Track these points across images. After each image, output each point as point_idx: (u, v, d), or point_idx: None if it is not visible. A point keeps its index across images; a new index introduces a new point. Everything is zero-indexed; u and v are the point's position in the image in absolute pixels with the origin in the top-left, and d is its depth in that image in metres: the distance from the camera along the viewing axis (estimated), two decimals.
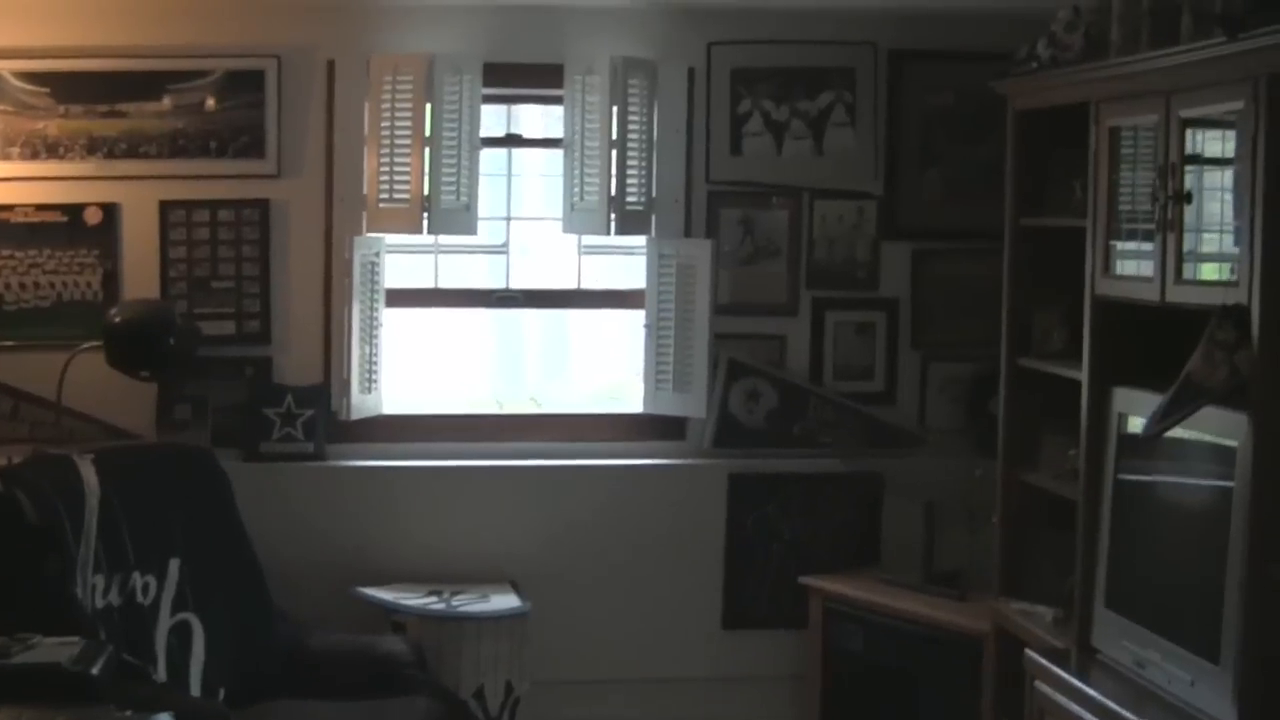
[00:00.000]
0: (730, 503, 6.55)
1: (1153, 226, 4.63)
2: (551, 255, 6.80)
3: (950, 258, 6.61)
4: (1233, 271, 4.27)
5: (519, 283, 6.74)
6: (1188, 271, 4.49)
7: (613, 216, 6.38)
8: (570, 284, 6.76)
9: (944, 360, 6.66)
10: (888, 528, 6.54)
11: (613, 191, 6.35)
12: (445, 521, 6.41)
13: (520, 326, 7.12)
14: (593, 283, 6.78)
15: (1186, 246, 4.49)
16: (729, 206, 6.54)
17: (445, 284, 6.70)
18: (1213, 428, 4.35)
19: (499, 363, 7.13)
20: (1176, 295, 4.53)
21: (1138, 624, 4.75)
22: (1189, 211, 4.48)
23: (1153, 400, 4.59)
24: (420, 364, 6.87)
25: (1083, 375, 5.14)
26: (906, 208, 6.59)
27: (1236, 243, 4.21)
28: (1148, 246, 4.70)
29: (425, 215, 6.26)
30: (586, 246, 6.74)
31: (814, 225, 6.55)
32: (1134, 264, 4.84)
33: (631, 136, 6.41)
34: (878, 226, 6.57)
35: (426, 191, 6.22)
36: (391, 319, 6.54)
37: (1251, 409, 4.16)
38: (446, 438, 6.53)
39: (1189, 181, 4.49)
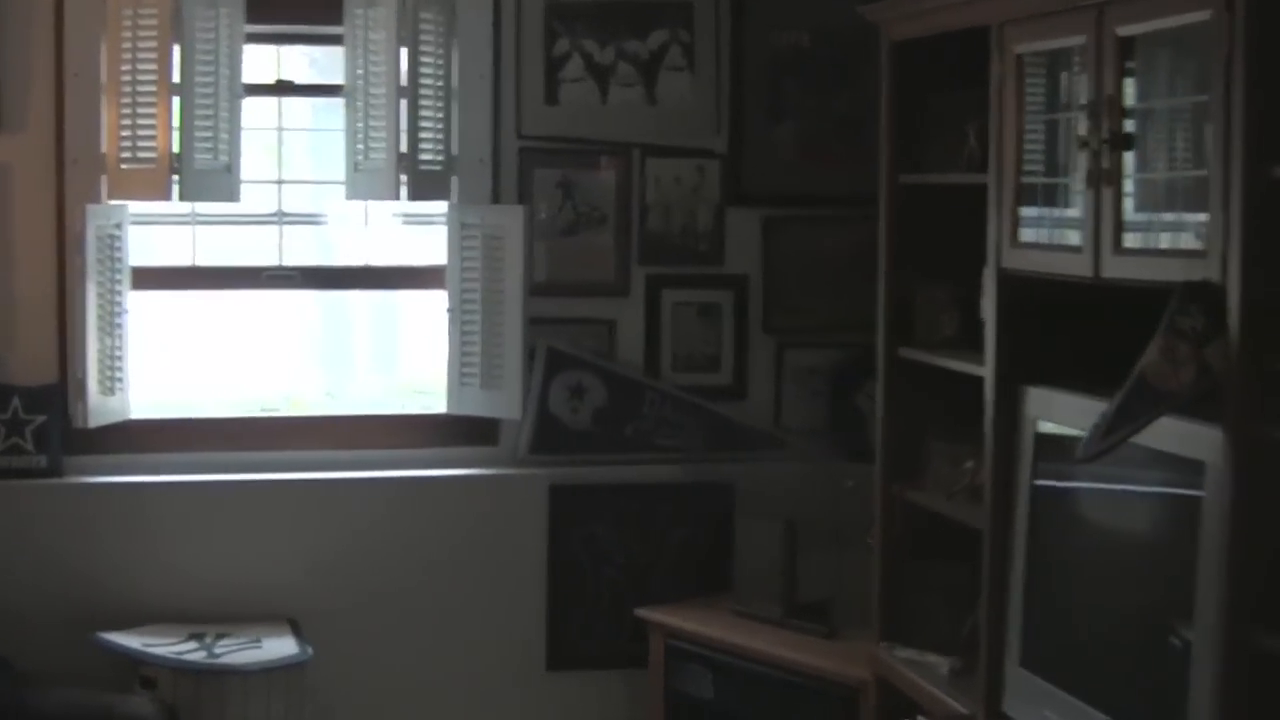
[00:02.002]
0: (552, 520, 5.76)
1: (1080, 182, 3.69)
2: (351, 229, 6.04)
3: (808, 226, 5.89)
4: (1198, 238, 3.24)
5: (297, 259, 5.87)
6: (1131, 239, 3.49)
7: (403, 179, 5.55)
8: (358, 260, 5.93)
9: (802, 346, 5.93)
10: (741, 549, 5.65)
11: (403, 148, 5.52)
12: (209, 548, 5.58)
13: (303, 312, 6.24)
14: (387, 259, 5.95)
15: (1131, 208, 3.48)
16: (545, 166, 5.77)
17: (205, 261, 5.81)
18: (1172, 441, 3.32)
19: (275, 356, 6.23)
20: (1116, 269, 3.57)
21: (1064, 691, 3.78)
22: (1130, 160, 3.49)
23: (1076, 404, 3.74)
24: (178, 358, 6.05)
25: (985, 370, 4.18)
26: (755, 168, 5.86)
27: (1201, 202, 3.20)
28: (1072, 211, 3.78)
29: (175, 179, 5.44)
30: (379, 215, 5.95)
31: (647, 188, 5.81)
32: (1052, 231, 3.92)
33: (425, 83, 5.59)
34: (722, 190, 5.84)
35: (176, 149, 5.41)
36: (140, 304, 5.68)
37: (1227, 421, 3.15)
38: (210, 446, 5.69)
39: (1130, 122, 3.50)
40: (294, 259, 5.83)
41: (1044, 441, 4.00)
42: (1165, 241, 3.48)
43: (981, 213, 4.22)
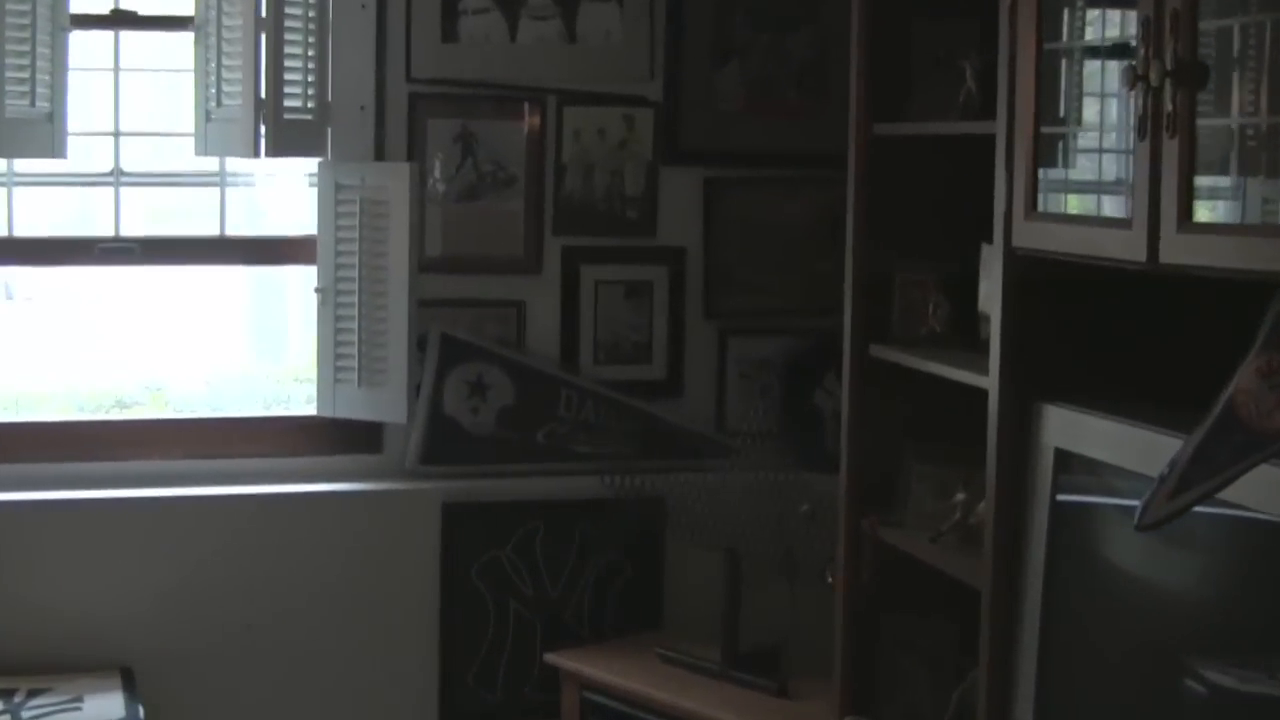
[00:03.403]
0: (446, 544, 4.93)
1: (1129, 130, 2.74)
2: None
3: (759, 190, 5.14)
4: None
5: (138, 228, 5.05)
6: (1207, 211, 2.50)
7: (262, 130, 4.67)
8: (210, 230, 5.05)
9: (750, 334, 5.18)
10: (673, 579, 4.95)
11: (262, 93, 4.65)
12: (21, 582, 4.74)
13: (151, 292, 5.56)
14: (248, 228, 5.18)
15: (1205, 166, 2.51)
16: (441, 116, 4.96)
17: (23, 231, 4.96)
18: (1266, 497, 2.37)
19: (115, 344, 5.62)
20: (1180, 251, 2.61)
21: None
22: (1203, 101, 2.58)
23: (1113, 432, 2.86)
24: None
25: (988, 381, 3.21)
26: (695, 119, 5.11)
27: None
28: (1113, 171, 2.86)
29: None
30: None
31: (564, 143, 5.04)
32: (1083, 198, 3.01)
33: (291, 14, 4.70)
34: (655, 145, 5.08)
35: None
36: None
37: None
38: (22, 457, 4.84)
39: (1206, 48, 2.59)
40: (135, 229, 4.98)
41: (1066, 474, 3.04)
42: (1256, 214, 2.50)
43: (981, 173, 3.30)
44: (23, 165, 4.86)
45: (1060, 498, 3.09)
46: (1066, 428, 3.06)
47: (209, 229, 5.00)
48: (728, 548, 4.59)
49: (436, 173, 4.93)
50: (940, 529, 3.60)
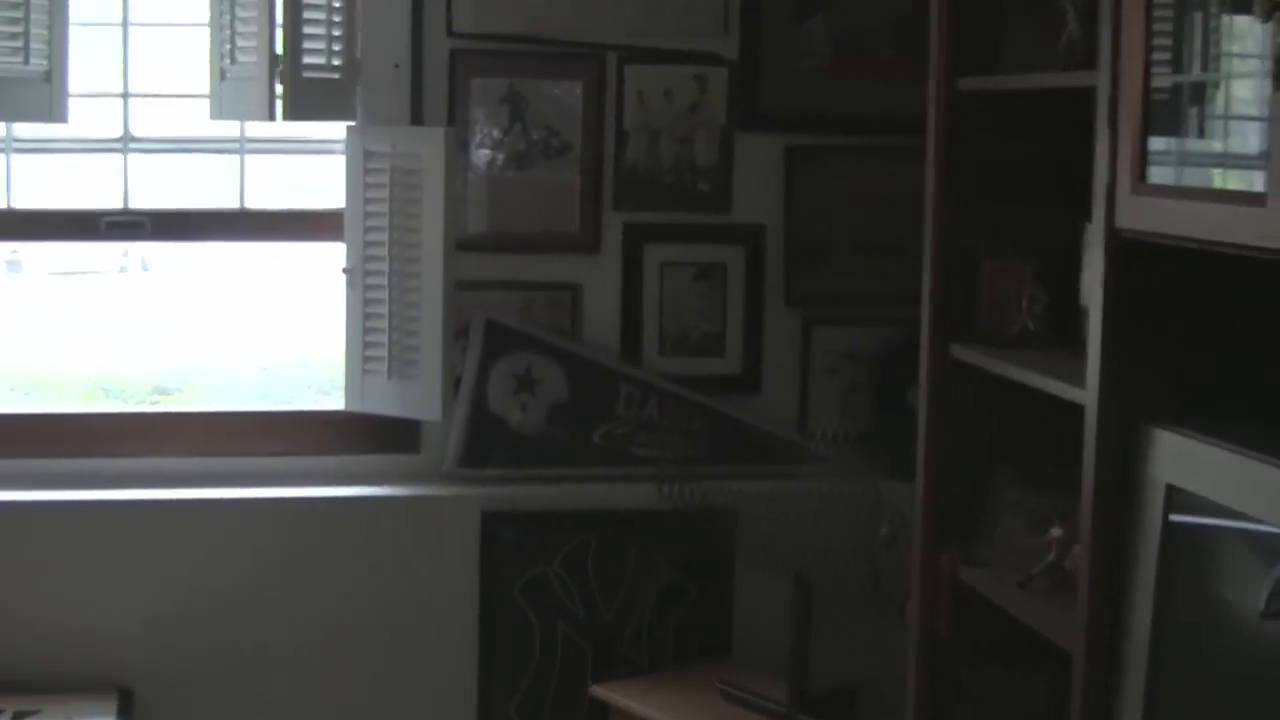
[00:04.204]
0: (487, 558, 4.47)
1: (1265, 84, 2.16)
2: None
3: (847, 160, 4.68)
4: None
5: (148, 200, 4.63)
6: None
7: (278, 91, 4.24)
8: (230, 202, 4.64)
9: (837, 323, 4.72)
10: (745, 602, 4.45)
11: (278, 48, 4.22)
12: (11, 591, 4.39)
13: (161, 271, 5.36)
14: (272, 200, 4.70)
15: None
16: (485, 75, 4.54)
17: (22, 203, 4.59)
18: None
19: (120, 329, 5.35)
20: None
21: None
22: None
23: (1240, 468, 2.27)
24: None
25: (1087, 395, 2.64)
26: (775, 78, 4.66)
27: None
28: (1242, 134, 2.30)
29: None
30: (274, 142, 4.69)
31: (626, 107, 4.62)
32: (1206, 171, 2.42)
33: None
34: (730, 109, 4.64)
35: None
36: None
37: None
38: (13, 451, 4.48)
39: None
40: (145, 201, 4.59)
41: (1179, 514, 2.44)
42: None
43: (1088, 137, 2.67)
44: (24, 131, 4.50)
45: (1171, 545, 2.47)
46: (1182, 459, 2.46)
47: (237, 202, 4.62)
48: (796, 574, 4.03)
49: (480, 139, 4.50)
50: (1030, 572, 3.01)
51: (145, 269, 5.62)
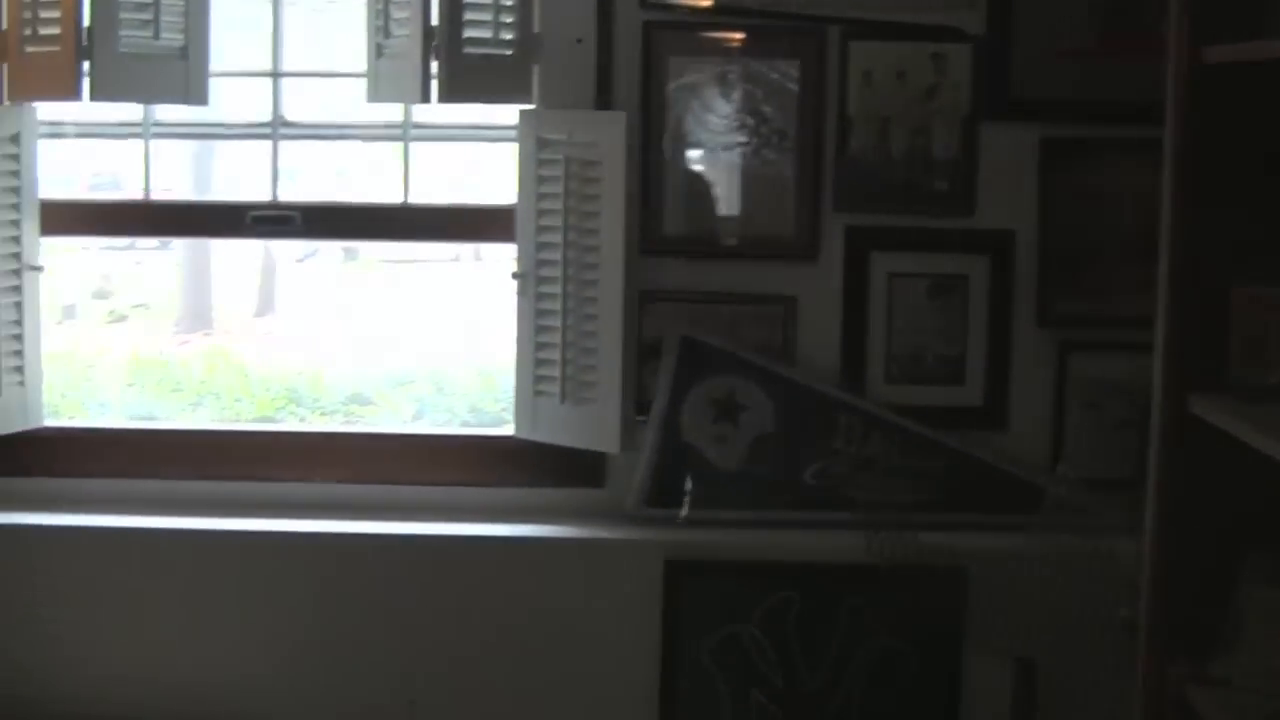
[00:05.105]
0: (671, 614, 3.98)
1: None
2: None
3: (1113, 156, 4.08)
4: None
5: (299, 193, 4.41)
6: None
7: (435, 69, 3.81)
8: (393, 196, 4.22)
9: (1098, 349, 4.12)
10: (976, 677, 3.87)
11: (434, 20, 3.78)
12: (135, 624, 4.05)
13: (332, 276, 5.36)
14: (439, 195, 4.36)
15: None
16: (684, 52, 4.03)
17: (161, 195, 4.26)
18: None
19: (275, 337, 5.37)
20: None
21: None
22: None
23: None
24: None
25: None
26: (1029, 59, 4.10)
27: None
28: None
29: (88, 66, 3.82)
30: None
31: (850, 91, 4.09)
32: None
33: None
34: (974, 94, 4.10)
35: (88, 23, 3.80)
36: (58, 257, 4.50)
37: None
38: (145, 472, 4.14)
39: None
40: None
41: None
42: None
43: None
44: (159, 114, 4.15)
45: None
46: None
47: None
48: (1018, 658, 3.36)
49: (676, 127, 3.99)
50: None
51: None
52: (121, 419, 4.92)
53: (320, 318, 6.15)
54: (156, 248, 6.30)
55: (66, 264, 5.43)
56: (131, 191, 4.20)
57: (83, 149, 4.72)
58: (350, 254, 6.54)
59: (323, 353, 5.57)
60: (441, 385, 5.28)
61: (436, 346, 5.65)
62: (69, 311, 6.80)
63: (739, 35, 4.02)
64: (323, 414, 5.11)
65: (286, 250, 6.20)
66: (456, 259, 6.09)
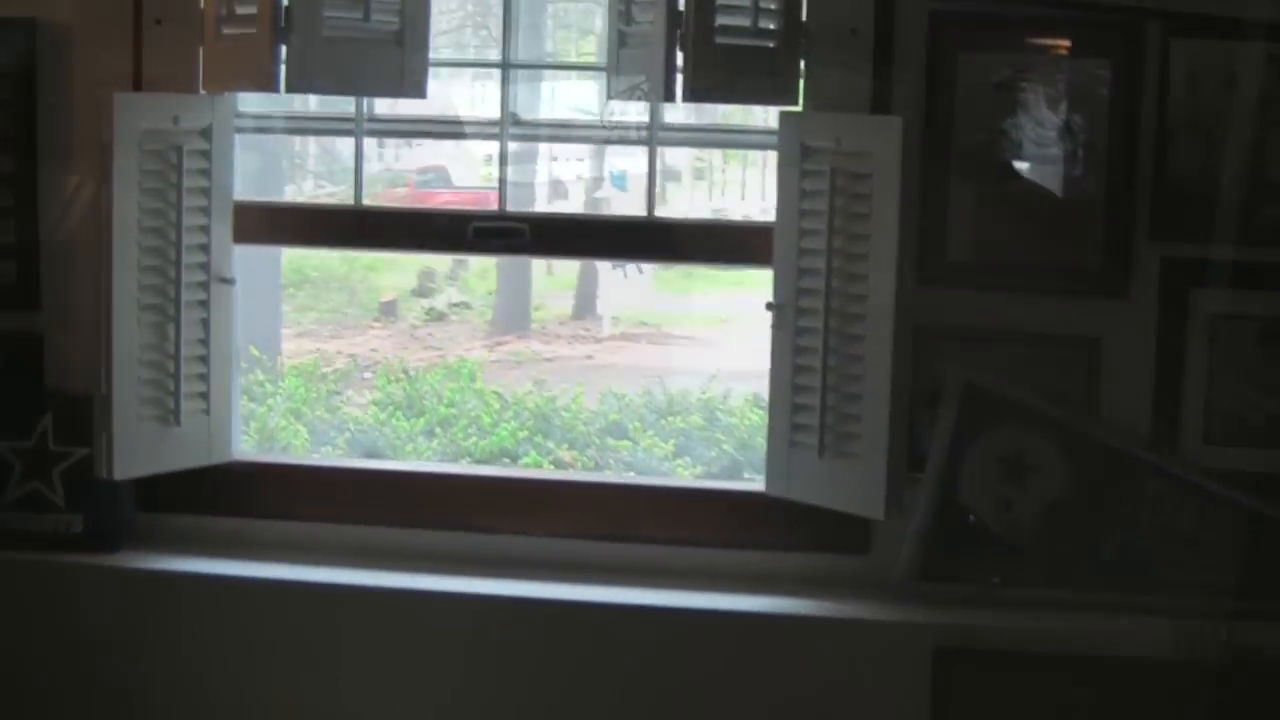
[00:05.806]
0: (941, 712, 3.48)
1: None
2: None
3: None
4: None
5: (535, 202, 4.39)
6: None
7: (681, 63, 3.35)
8: (637, 210, 3.81)
9: None
10: None
11: (680, 5, 3.34)
12: (343, 700, 3.67)
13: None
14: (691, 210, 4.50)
15: None
16: (977, 48, 3.60)
17: (374, 201, 3.94)
18: None
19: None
20: None
21: None
22: None
23: None
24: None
25: None
26: None
27: None
28: None
29: (283, 50, 3.41)
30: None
31: (1171, 96, 3.65)
32: None
33: None
34: None
35: (287, 2, 3.42)
36: (250, 267, 3.84)
37: None
38: (364, 517, 3.78)
39: None
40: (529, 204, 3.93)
41: None
42: None
43: None
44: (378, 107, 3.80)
45: None
46: None
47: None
48: None
49: (965, 135, 3.52)
50: None
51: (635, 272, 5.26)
52: (331, 452, 4.56)
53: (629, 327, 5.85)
54: None
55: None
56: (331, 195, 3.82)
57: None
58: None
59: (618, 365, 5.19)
60: (716, 416, 4.86)
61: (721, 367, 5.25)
62: (387, 309, 6.60)
63: (1041, 30, 3.55)
64: (570, 448, 4.72)
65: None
66: None
